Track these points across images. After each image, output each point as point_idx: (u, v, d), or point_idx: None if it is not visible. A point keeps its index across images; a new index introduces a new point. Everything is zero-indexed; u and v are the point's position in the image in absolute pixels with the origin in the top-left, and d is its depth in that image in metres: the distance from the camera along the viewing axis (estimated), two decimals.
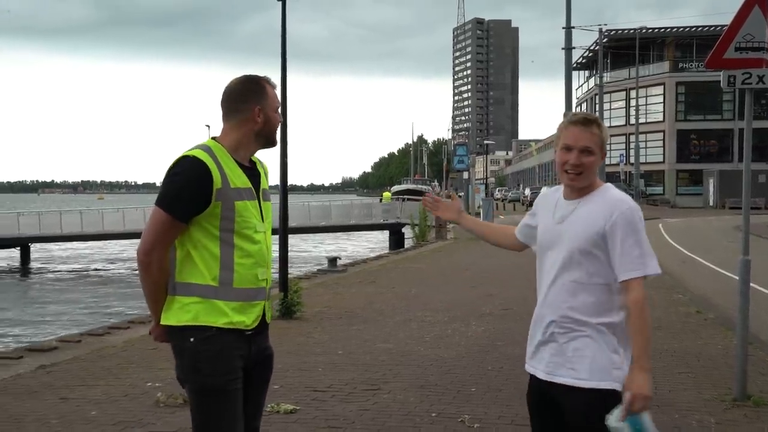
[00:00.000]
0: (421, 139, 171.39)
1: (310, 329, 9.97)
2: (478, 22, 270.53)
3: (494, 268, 17.02)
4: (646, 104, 64.10)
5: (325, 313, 11.33)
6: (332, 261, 19.42)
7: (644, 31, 61.08)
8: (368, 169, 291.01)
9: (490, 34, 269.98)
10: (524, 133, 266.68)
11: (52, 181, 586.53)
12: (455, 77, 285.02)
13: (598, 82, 48.42)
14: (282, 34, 11.23)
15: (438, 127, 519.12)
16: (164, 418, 5.86)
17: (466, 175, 57.62)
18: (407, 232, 38.08)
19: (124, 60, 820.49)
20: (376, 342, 9.06)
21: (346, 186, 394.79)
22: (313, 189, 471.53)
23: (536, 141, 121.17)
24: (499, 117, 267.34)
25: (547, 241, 3.11)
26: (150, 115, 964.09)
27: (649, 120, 64.04)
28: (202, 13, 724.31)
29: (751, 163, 6.73)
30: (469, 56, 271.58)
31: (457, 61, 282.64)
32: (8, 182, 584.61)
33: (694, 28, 65.27)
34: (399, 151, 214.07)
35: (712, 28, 61.32)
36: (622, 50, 63.57)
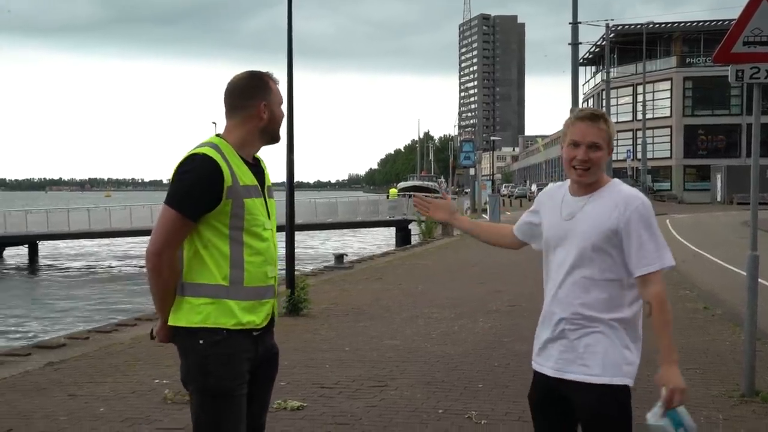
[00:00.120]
0: (427, 136, 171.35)
1: (317, 326, 9.98)
2: (484, 17, 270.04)
3: (501, 265, 17.00)
4: (653, 99, 63.89)
5: (331, 310, 11.33)
6: (339, 258, 19.44)
7: (651, 26, 60.86)
8: (375, 166, 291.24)
9: (496, 29, 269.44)
10: (531, 129, 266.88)
11: (60, 178, 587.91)
12: (461, 73, 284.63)
13: (604, 78, 48.39)
14: (288, 31, 11.23)
15: (444, 123, 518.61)
16: (172, 415, 5.87)
17: (472, 171, 57.60)
18: (414, 228, 38.08)
19: (130, 57, 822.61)
20: (383, 339, 9.06)
21: (352, 183, 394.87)
22: (319, 186, 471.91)
23: (543, 137, 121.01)
24: (505, 113, 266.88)
25: (555, 238, 3.09)
26: (156, 113, 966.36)
27: (656, 115, 63.84)
28: (208, 10, 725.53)
29: (759, 159, 6.70)
30: (475, 52, 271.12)
31: (463, 57, 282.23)
32: (16, 180, 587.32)
33: (701, 23, 65.04)
34: (405, 147, 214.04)
35: (719, 23, 61.06)
36: (629, 45, 63.38)
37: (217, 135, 3.20)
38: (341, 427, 5.62)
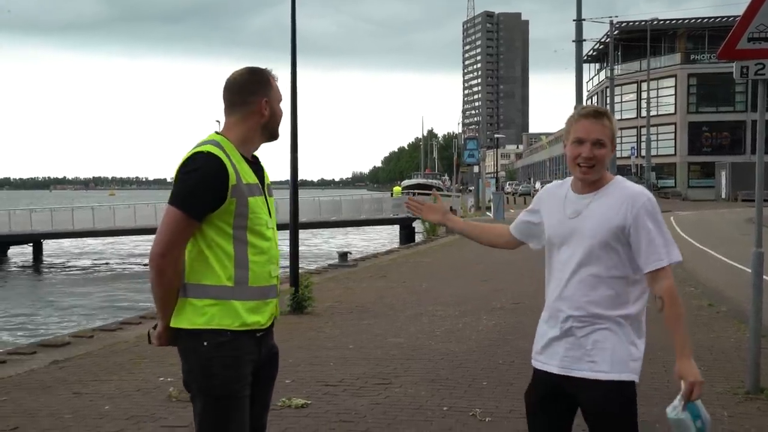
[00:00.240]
0: (431, 134, 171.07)
1: (321, 324, 9.98)
2: (488, 15, 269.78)
3: (505, 262, 16.98)
4: (658, 96, 63.80)
5: (336, 308, 11.34)
6: (343, 256, 19.49)
7: (655, 22, 60.80)
8: (378, 164, 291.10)
9: (500, 27, 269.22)
10: (535, 126, 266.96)
11: (64, 177, 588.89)
12: (465, 71, 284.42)
13: (608, 75, 48.25)
14: (292, 29, 11.23)
15: (448, 121, 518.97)
16: (176, 413, 5.88)
17: (476, 169, 57.56)
18: (418, 226, 38.09)
19: (135, 56, 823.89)
20: (387, 336, 9.07)
21: (356, 181, 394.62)
22: (323, 184, 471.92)
23: (547, 134, 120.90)
24: (509, 110, 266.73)
25: (559, 236, 3.08)
26: (160, 111, 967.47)
27: (660, 112, 63.73)
28: (212, 9, 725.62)
29: (764, 155, 6.68)
30: (479, 50, 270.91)
31: (467, 55, 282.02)
32: (20, 179, 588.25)
33: (705, 19, 64.89)
34: (409, 145, 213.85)
35: (724, 19, 60.92)
36: (633, 42, 63.26)
37: (217, 132, 3.14)
38: (345, 424, 5.62)
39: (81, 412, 6.01)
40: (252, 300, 3.00)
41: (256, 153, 3.23)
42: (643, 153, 55.16)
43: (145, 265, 25.21)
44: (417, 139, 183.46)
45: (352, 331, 9.44)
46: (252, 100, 3.09)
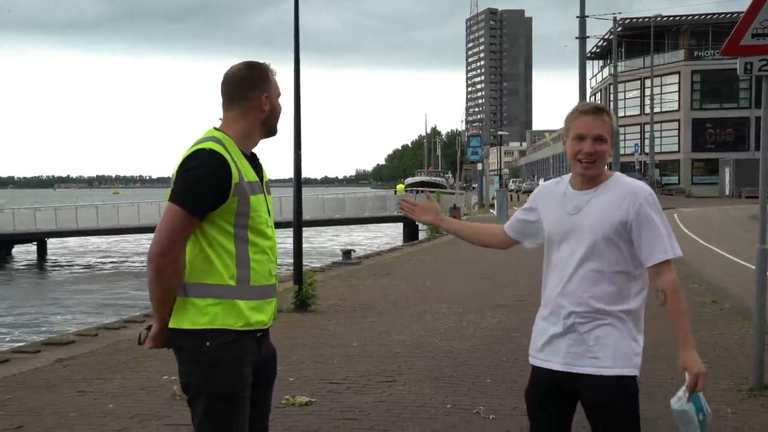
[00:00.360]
0: (434, 131, 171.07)
1: (324, 322, 9.99)
2: (492, 12, 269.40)
3: (508, 260, 16.97)
4: (661, 93, 63.69)
5: (339, 306, 11.35)
6: (346, 253, 19.46)
7: (659, 19, 60.61)
8: (382, 162, 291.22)
9: (503, 24, 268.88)
10: (538, 123, 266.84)
11: (68, 176, 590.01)
12: (468, 68, 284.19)
13: (612, 72, 48.22)
14: (295, 26, 11.23)
15: (451, 118, 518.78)
16: (180, 411, 5.88)
17: (479, 166, 57.59)
18: (421, 224, 38.02)
19: (138, 54, 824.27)
20: (390, 334, 9.07)
21: (360, 178, 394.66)
22: (327, 182, 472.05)
23: (550, 131, 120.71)
24: (512, 108, 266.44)
25: (560, 233, 3.09)
26: (164, 110, 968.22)
27: (664, 109, 63.65)
28: (215, 6, 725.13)
29: None
30: (482, 47, 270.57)
31: (470, 52, 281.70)
32: (24, 177, 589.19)
33: (709, 16, 64.78)
34: (413, 142, 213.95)
35: (728, 15, 60.85)
36: (637, 39, 63.18)
37: (216, 128, 3.06)
38: (349, 422, 5.63)
39: (85, 410, 6.02)
40: (254, 299, 2.95)
41: (255, 150, 3.17)
42: (647, 150, 55.09)
43: None
44: (420, 136, 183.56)
45: (356, 329, 9.44)
46: (252, 95, 3.02)
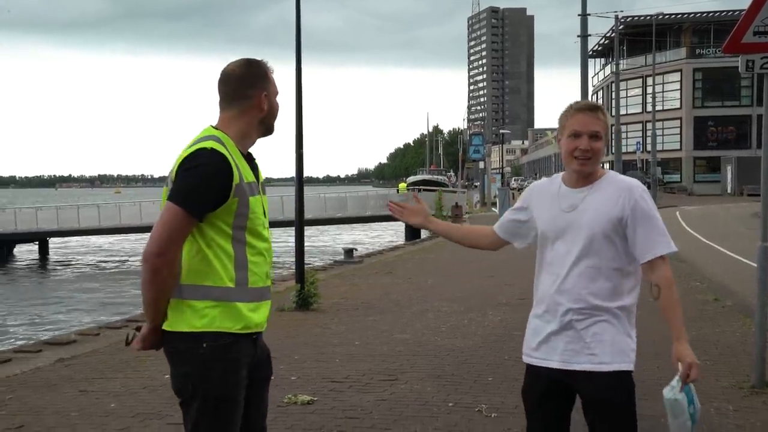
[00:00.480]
0: (436, 129, 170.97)
1: (326, 320, 9.99)
2: (493, 10, 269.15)
3: (510, 258, 16.96)
4: (663, 91, 63.59)
5: (341, 304, 11.35)
6: (348, 252, 19.48)
7: (661, 17, 60.55)
8: (384, 160, 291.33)
9: (505, 22, 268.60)
10: (540, 122, 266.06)
11: (69, 175, 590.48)
12: (470, 67, 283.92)
13: (614, 70, 48.14)
14: (297, 24, 11.22)
15: (453, 117, 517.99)
16: None
17: (481, 164, 57.62)
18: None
19: (139, 54, 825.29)
20: (392, 333, 9.07)
21: (362, 177, 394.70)
22: (329, 180, 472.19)
23: (552, 130, 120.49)
24: (514, 106, 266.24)
25: (555, 230, 3.11)
26: (165, 109, 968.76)
27: (666, 107, 63.56)
28: (216, 5, 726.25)
29: None
30: (484, 45, 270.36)
31: (472, 51, 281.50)
32: (26, 177, 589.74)
33: (711, 14, 64.68)
34: (414, 141, 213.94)
35: (729, 13, 60.72)
36: (639, 37, 63.06)
37: (214, 127, 3.00)
38: (351, 421, 5.63)
39: (87, 409, 6.03)
40: (251, 302, 2.91)
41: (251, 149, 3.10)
42: (649, 148, 55.03)
43: None
44: (422, 135, 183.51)
45: (358, 328, 9.44)
46: (251, 93, 2.97)
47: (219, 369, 2.83)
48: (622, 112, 54.68)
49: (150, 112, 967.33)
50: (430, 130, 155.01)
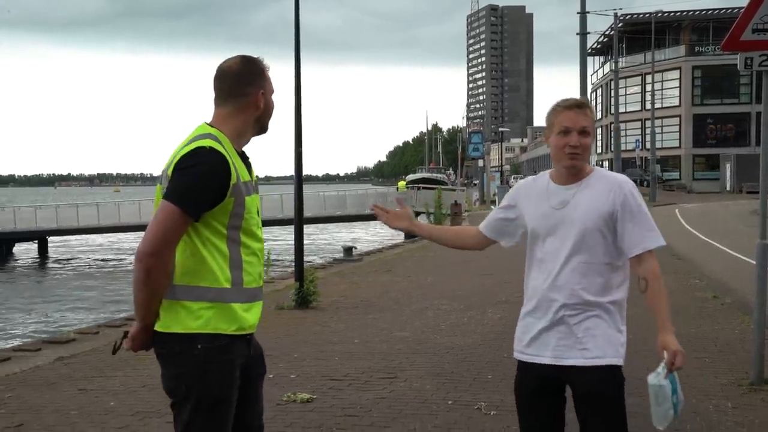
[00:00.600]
0: (435, 128, 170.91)
1: (326, 318, 9.99)
2: (492, 8, 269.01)
3: (510, 256, 16.93)
4: (662, 89, 63.55)
5: (341, 303, 11.35)
6: (348, 250, 19.48)
7: (660, 14, 60.58)
8: (383, 158, 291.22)
9: (504, 20, 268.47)
10: (539, 119, 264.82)
11: (69, 174, 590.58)
12: (470, 65, 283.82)
13: (613, 68, 48.16)
14: (295, 23, 11.21)
15: (453, 115, 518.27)
16: None
17: (481, 162, 57.62)
18: (422, 220, 38.07)
19: (138, 52, 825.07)
20: (392, 330, 9.07)
21: (361, 175, 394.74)
22: (328, 179, 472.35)
23: None
24: (513, 104, 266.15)
25: (546, 227, 3.13)
26: (164, 108, 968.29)
27: (665, 105, 63.52)
28: (216, 3, 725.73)
29: None
30: (483, 43, 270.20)
31: (471, 49, 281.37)
32: (25, 176, 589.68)
33: (710, 11, 64.63)
34: (414, 139, 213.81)
35: (728, 11, 60.61)
36: (638, 35, 63.06)
37: (209, 124, 2.95)
38: (351, 419, 5.63)
39: (86, 408, 6.03)
40: (245, 302, 2.88)
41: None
42: (648, 146, 55.05)
43: None
44: (422, 133, 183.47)
45: (358, 326, 9.44)
46: (248, 91, 2.93)
47: (214, 370, 2.80)
48: (622, 109, 54.63)
49: (149, 111, 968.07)
50: (430, 128, 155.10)
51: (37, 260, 36.25)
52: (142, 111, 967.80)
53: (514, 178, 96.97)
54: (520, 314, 3.25)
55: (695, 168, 64.33)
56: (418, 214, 39.60)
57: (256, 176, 3.09)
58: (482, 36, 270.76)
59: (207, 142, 2.80)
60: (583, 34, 30.75)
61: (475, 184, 68.22)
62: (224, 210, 2.80)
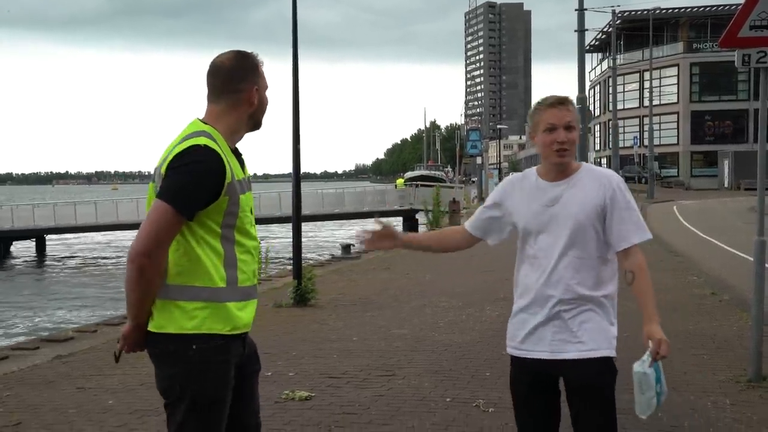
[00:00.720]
0: (433, 125, 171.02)
1: (324, 316, 9.99)
2: (490, 5, 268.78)
3: (509, 253, 16.90)
4: (660, 86, 63.54)
5: (339, 300, 11.35)
6: (346, 248, 19.48)
7: (658, 11, 60.51)
8: (381, 156, 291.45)
9: (502, 17, 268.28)
10: None
11: (66, 172, 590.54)
12: (468, 62, 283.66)
13: (611, 65, 48.16)
14: (293, 21, 11.20)
15: (451, 112, 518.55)
16: None
17: (479, 160, 57.57)
18: (421, 218, 38.08)
19: (137, 50, 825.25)
20: (390, 328, 9.07)
21: (359, 173, 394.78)
22: (326, 176, 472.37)
23: None
24: (512, 101, 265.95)
25: (537, 225, 3.16)
26: (163, 106, 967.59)
27: (663, 102, 63.52)
28: (215, 2, 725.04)
29: (767, 144, 6.66)
30: (481, 40, 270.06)
31: (469, 46, 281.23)
32: (23, 174, 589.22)
33: (708, 8, 64.62)
34: (412, 137, 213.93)
35: (726, 7, 60.63)
36: (636, 32, 63.06)
37: (202, 121, 2.90)
38: (349, 416, 5.63)
39: (85, 406, 6.02)
40: (240, 301, 2.85)
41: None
42: (646, 142, 55.00)
43: None
44: (420, 130, 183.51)
45: (356, 323, 9.44)
46: (242, 87, 2.88)
47: (208, 371, 2.78)
48: (620, 106, 54.64)
49: (148, 109, 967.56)
50: (428, 125, 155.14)
51: (35, 258, 36.21)
52: (140, 109, 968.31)
53: (512, 175, 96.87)
54: (513, 311, 3.27)
55: (693, 165, 64.37)
56: (416, 211, 39.66)
57: (249, 174, 3.04)
58: (480, 33, 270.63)
59: (201, 140, 2.75)
60: (581, 31, 30.68)
61: (473, 182, 68.15)
62: (219, 209, 2.76)
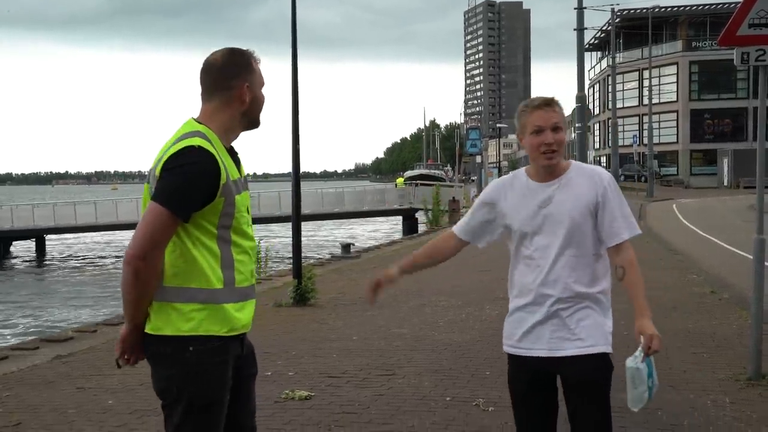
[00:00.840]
0: (433, 124, 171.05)
1: (324, 316, 9.99)
2: (490, 4, 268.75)
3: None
4: (659, 84, 63.52)
5: (339, 300, 11.34)
6: (346, 247, 19.47)
7: (657, 10, 60.48)
8: (381, 155, 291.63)
9: (501, 16, 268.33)
10: None
11: (66, 172, 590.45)
12: (467, 61, 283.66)
13: (610, 63, 48.18)
14: (292, 20, 11.19)
15: (450, 111, 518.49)
16: None
17: (479, 158, 57.57)
18: (420, 217, 38.10)
19: (137, 50, 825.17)
20: (390, 327, 9.07)
21: (359, 172, 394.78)
22: (326, 176, 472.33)
23: None
24: (511, 100, 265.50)
25: (532, 226, 3.17)
26: (162, 105, 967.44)
27: (662, 100, 63.51)
28: (215, 1, 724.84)
29: (766, 142, 6.66)
30: (480, 39, 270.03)
31: (468, 45, 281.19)
32: (23, 174, 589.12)
33: (707, 6, 64.63)
34: (412, 136, 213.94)
35: (725, 6, 60.68)
36: (635, 30, 63.04)
37: (196, 120, 2.87)
38: (349, 416, 5.62)
39: (84, 406, 6.02)
40: (237, 302, 2.83)
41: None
42: (646, 141, 54.97)
43: None
44: (419, 129, 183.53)
45: (356, 323, 9.44)
46: (233, 84, 2.84)
47: (205, 373, 2.76)
48: (619, 105, 54.62)
49: (147, 109, 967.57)
50: (427, 124, 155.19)
51: (35, 258, 36.22)
52: (140, 109, 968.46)
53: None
54: (509, 310, 3.29)
55: (692, 163, 64.37)
56: (416, 210, 39.68)
57: (246, 174, 3.02)
58: (479, 32, 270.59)
59: (196, 141, 2.72)
60: (581, 29, 30.70)
61: (473, 180, 68.13)
62: (214, 210, 2.74)
